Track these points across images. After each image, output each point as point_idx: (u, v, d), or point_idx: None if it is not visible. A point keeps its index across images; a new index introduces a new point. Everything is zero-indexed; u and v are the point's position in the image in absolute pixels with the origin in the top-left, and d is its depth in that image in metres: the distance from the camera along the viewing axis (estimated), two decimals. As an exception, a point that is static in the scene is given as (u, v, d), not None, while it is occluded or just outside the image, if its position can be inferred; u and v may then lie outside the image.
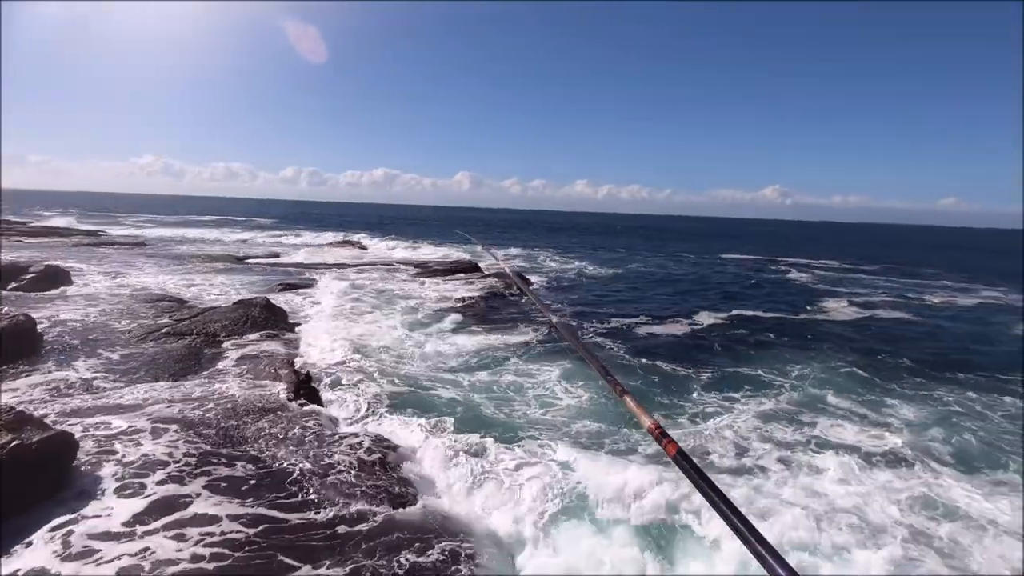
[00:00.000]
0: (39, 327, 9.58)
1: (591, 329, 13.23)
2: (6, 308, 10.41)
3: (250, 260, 23.96)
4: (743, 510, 0.94)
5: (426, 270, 22.07)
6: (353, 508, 4.91)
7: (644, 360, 10.50)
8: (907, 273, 30.14)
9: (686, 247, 47.74)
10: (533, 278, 21.69)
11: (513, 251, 33.76)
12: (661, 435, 1.25)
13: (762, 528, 0.90)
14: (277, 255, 26.62)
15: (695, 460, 1.07)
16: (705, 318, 14.74)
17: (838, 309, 16.60)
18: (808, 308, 16.70)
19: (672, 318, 14.75)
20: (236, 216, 69.44)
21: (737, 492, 5.33)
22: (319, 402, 7.63)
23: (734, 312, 15.60)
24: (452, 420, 7.09)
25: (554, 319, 2.51)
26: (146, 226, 45.10)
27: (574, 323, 13.61)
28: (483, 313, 14.20)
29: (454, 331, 12.01)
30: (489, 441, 6.40)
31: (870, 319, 15.40)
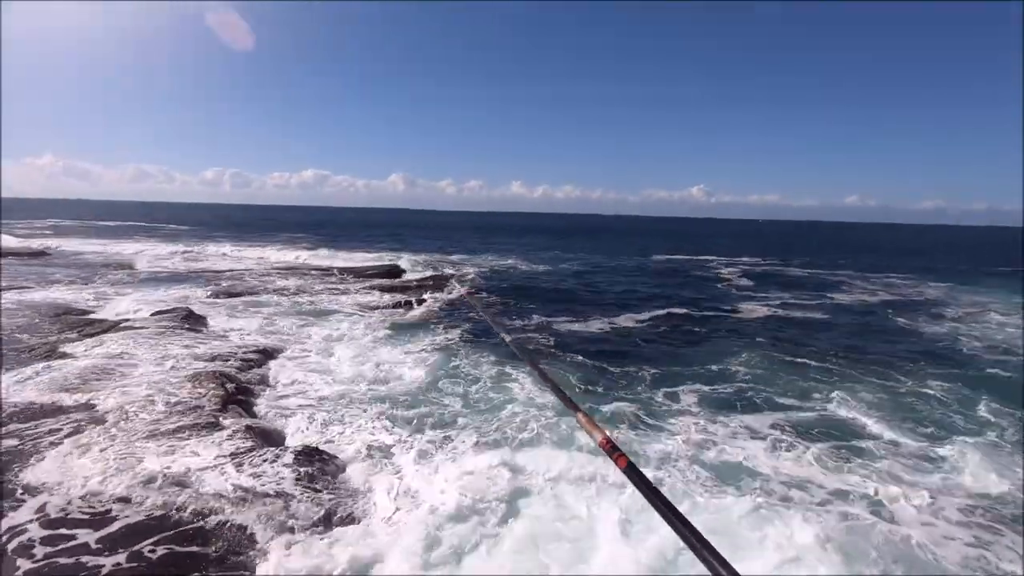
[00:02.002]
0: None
1: (519, 324, 13.55)
2: None
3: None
4: (694, 522, 0.97)
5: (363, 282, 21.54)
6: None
7: (565, 353, 11.01)
8: (819, 266, 32.53)
9: (618, 246, 49.21)
10: (471, 276, 21.68)
11: (463, 257, 33.43)
12: (612, 449, 1.28)
13: (713, 540, 0.93)
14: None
15: (645, 474, 1.12)
16: (628, 317, 15.24)
17: (755, 309, 17.34)
18: (727, 308, 17.43)
19: (598, 316, 15.20)
20: (146, 223, 64.79)
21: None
22: (250, 413, 7.27)
23: (658, 312, 16.17)
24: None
25: (508, 338, 2.57)
26: (45, 231, 41.24)
27: (508, 322, 13.80)
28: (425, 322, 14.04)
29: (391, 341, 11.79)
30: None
31: (783, 319, 16.19)
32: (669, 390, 8.87)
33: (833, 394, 8.68)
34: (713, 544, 0.91)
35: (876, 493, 5.70)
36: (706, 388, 9.00)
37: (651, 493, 1.06)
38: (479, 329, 12.54)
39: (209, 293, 16.09)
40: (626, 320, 14.92)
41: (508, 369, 9.38)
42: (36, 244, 29.74)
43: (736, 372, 9.94)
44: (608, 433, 1.35)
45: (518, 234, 68.94)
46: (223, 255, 28.42)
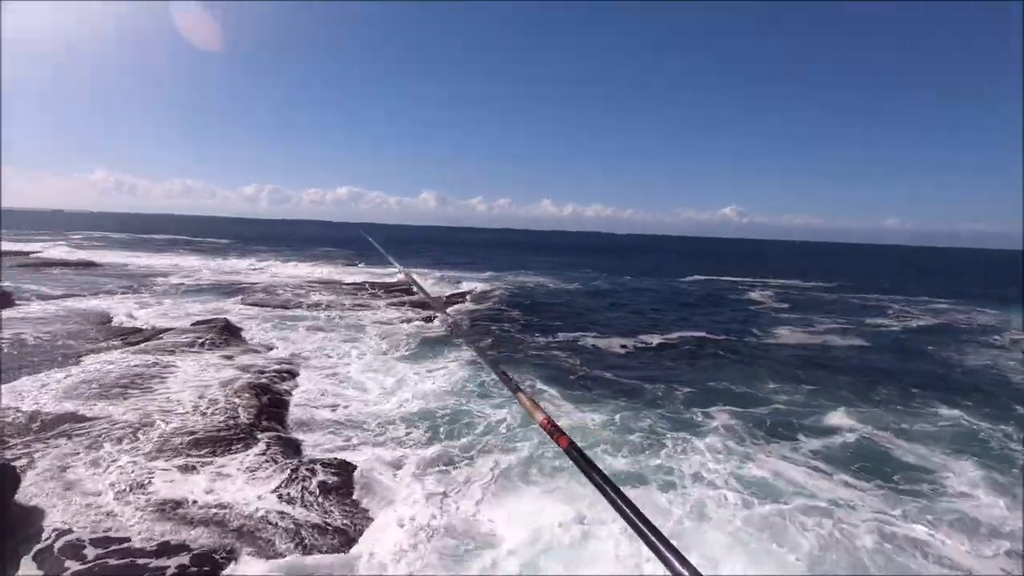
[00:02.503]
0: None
1: (543, 341, 13.49)
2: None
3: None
4: (632, 498, 0.97)
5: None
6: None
7: (591, 368, 10.99)
8: (857, 290, 31.45)
9: (648, 266, 48.67)
10: (498, 293, 21.68)
11: (487, 273, 33.61)
12: (553, 429, 1.27)
13: (653, 518, 0.93)
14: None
15: (586, 452, 1.11)
16: (656, 336, 15.06)
17: (790, 333, 16.80)
18: (760, 332, 17.00)
19: (625, 334, 15.05)
20: (189, 236, 67.20)
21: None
22: (283, 426, 7.39)
23: (687, 332, 15.93)
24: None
25: (450, 319, 2.60)
26: (96, 246, 43.25)
27: (528, 336, 13.75)
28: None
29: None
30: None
31: (819, 344, 15.68)
32: (702, 410, 8.73)
33: (869, 424, 8.36)
34: (650, 519, 0.91)
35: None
36: (738, 410, 8.81)
37: (593, 472, 1.06)
38: (504, 344, 12.61)
39: (245, 305, 16.56)
40: (654, 339, 14.71)
41: (541, 390, 9.36)
42: (86, 256, 31.17)
43: (769, 396, 9.69)
44: (548, 414, 1.35)
45: (546, 252, 68.97)
46: (259, 269, 29.22)
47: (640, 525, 0.90)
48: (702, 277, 38.25)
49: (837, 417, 8.64)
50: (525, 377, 10.15)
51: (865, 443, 7.68)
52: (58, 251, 34.12)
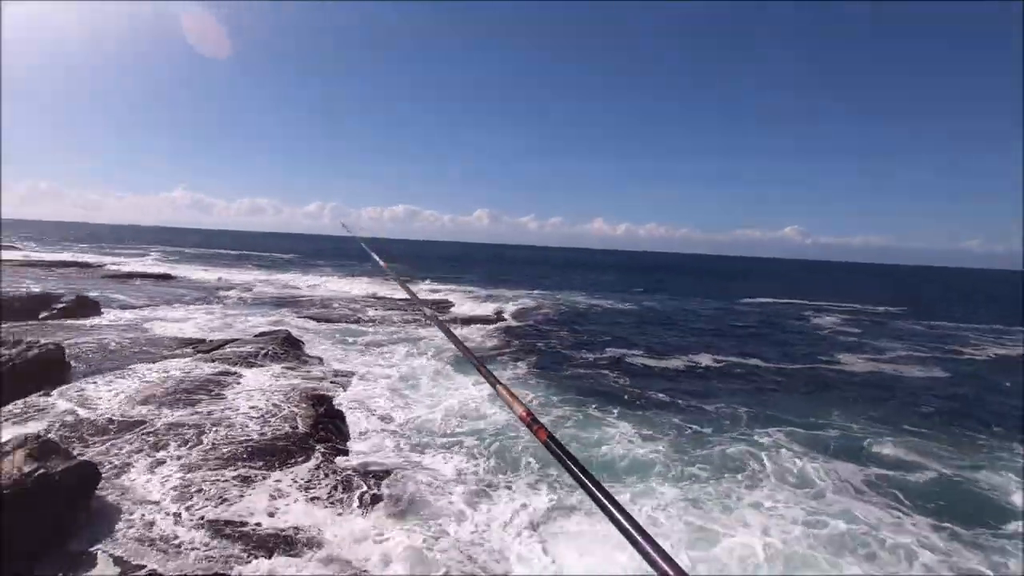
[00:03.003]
0: (67, 355, 9.82)
1: (591, 358, 13.28)
2: (33, 337, 10.69)
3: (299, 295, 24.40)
4: (612, 491, 0.97)
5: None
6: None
7: (642, 388, 10.88)
8: (932, 316, 29.37)
9: (703, 287, 47.31)
10: (546, 310, 21.60)
11: (536, 291, 33.67)
12: (532, 421, 1.27)
13: (631, 510, 0.93)
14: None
15: (564, 445, 1.11)
16: (710, 358, 14.62)
17: (859, 361, 15.84)
18: (822, 358, 16.11)
19: (678, 354, 14.70)
20: (256, 251, 70.80)
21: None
22: (340, 436, 7.59)
23: (745, 357, 15.30)
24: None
25: (428, 311, 2.59)
26: (172, 257, 46.36)
27: (575, 353, 13.60)
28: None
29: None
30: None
31: (893, 375, 14.62)
32: (764, 438, 8.34)
33: (946, 462, 7.76)
34: (631, 512, 0.90)
35: None
36: (802, 439, 8.39)
37: (571, 464, 1.05)
38: (551, 362, 12.56)
39: (304, 318, 17.24)
40: (709, 361, 14.28)
41: (594, 411, 9.22)
42: (164, 269, 33.41)
43: (836, 427, 9.16)
44: (527, 406, 1.35)
45: (597, 270, 68.40)
46: (318, 284, 30.40)
47: (619, 517, 0.90)
48: (761, 299, 36.81)
49: (910, 452, 8.05)
50: (570, 394, 10.12)
51: (944, 483, 7.12)
52: (140, 264, 36.77)
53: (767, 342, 18.36)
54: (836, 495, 6.55)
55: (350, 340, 14.10)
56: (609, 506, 0.93)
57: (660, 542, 0.83)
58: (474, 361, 1.73)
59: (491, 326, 17.75)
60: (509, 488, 6.28)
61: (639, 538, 0.85)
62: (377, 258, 4.04)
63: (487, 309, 21.69)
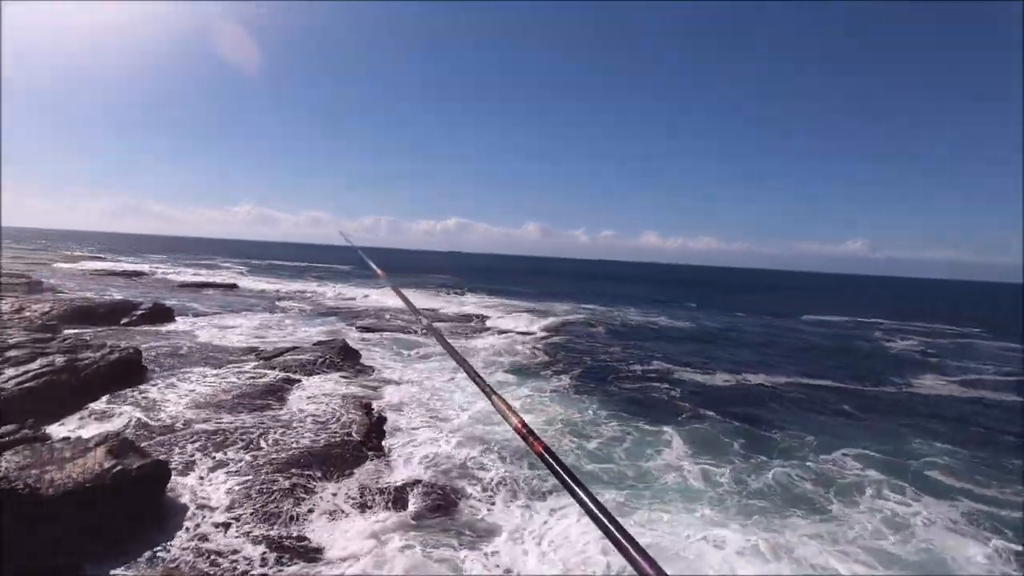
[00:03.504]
0: (144, 359, 10.51)
1: (639, 371, 12.88)
2: (114, 341, 11.50)
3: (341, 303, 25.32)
4: (607, 505, 0.96)
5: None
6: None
7: (693, 405, 10.55)
8: (1012, 337, 26.97)
9: (761, 303, 45.45)
10: (608, 334, 21.24)
11: (593, 306, 33.38)
12: (528, 433, 1.26)
13: (625, 524, 0.91)
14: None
15: (560, 457, 1.10)
16: (768, 379, 13.91)
17: (937, 384, 14.76)
18: (895, 379, 15.10)
19: (735, 375, 14.07)
20: (315, 262, 73.62)
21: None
22: (392, 445, 7.71)
23: (808, 377, 14.59)
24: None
25: (424, 321, 2.53)
26: (238, 269, 48.94)
27: (627, 369, 13.25)
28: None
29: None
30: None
31: (976, 398, 13.58)
32: (833, 465, 7.85)
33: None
34: (627, 528, 0.90)
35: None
36: (879, 466, 7.81)
37: (566, 476, 1.04)
38: (599, 377, 12.34)
39: (360, 329, 17.75)
40: (769, 381, 13.64)
41: (646, 428, 8.97)
42: (231, 279, 35.29)
43: (916, 454, 8.53)
44: (523, 417, 1.33)
45: (648, 284, 67.05)
46: (372, 296, 31.28)
47: (611, 529, 0.91)
48: (824, 316, 34.99)
49: (1004, 486, 7.36)
50: (620, 410, 9.87)
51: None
52: (210, 274, 39.00)
53: (832, 362, 17.38)
54: (927, 533, 5.98)
55: (403, 351, 14.38)
56: (603, 519, 0.93)
57: (655, 556, 0.84)
58: (470, 372, 1.69)
59: (538, 339, 17.68)
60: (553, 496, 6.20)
61: (632, 551, 0.85)
62: (374, 266, 4.12)
63: (535, 322, 21.65)
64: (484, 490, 6.40)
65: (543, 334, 18.80)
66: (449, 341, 1.92)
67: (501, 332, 18.18)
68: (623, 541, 0.88)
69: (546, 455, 1.13)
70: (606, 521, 0.92)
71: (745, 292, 65.00)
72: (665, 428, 8.94)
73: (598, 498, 0.99)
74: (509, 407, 1.40)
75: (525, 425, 1.30)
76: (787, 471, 7.51)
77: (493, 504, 6.10)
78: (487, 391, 1.54)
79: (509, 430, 1.30)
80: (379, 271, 3.95)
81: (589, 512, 0.97)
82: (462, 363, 1.80)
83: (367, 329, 17.70)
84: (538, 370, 13.03)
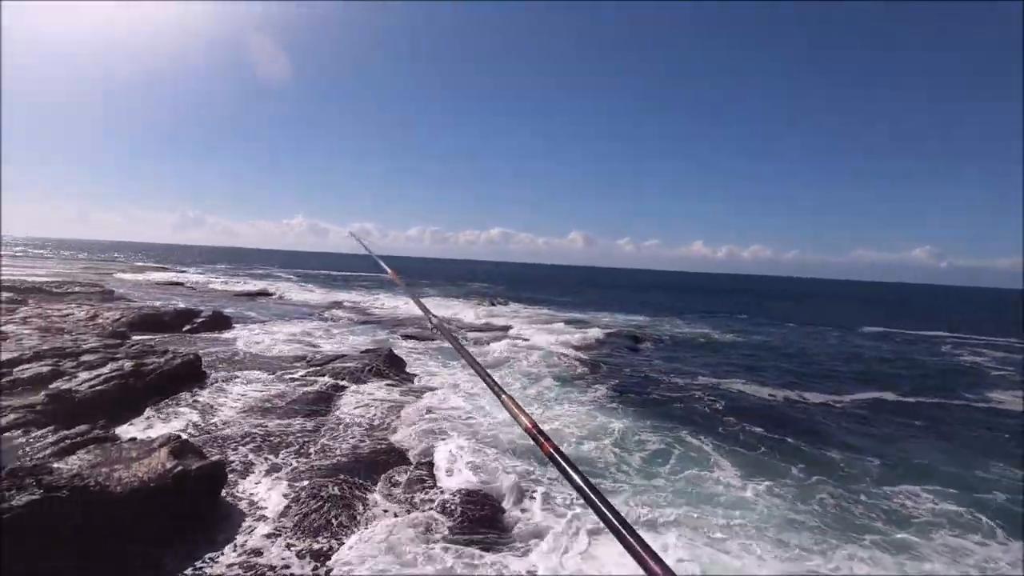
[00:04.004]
0: (204, 364, 11.04)
1: (683, 383, 12.42)
2: (176, 347, 12.12)
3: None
4: (617, 505, 0.96)
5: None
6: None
7: (740, 420, 10.07)
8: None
9: (815, 314, 43.49)
10: (653, 347, 20.84)
11: (638, 318, 32.89)
12: (538, 433, 1.26)
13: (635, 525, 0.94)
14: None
15: (570, 458, 1.11)
16: (825, 395, 13.18)
17: (1015, 400, 13.72)
18: (968, 396, 14.08)
19: (789, 389, 13.42)
20: (364, 272, 75.61)
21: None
22: (435, 450, 7.78)
23: (867, 392, 13.80)
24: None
25: (435, 320, 2.49)
26: (291, 278, 50.84)
27: (672, 381, 12.88)
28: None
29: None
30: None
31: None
32: (899, 489, 7.30)
33: None
34: (638, 531, 0.90)
35: None
36: (954, 493, 7.19)
37: (577, 479, 1.06)
38: (641, 388, 12.03)
39: (404, 338, 18.07)
40: (826, 397, 12.96)
41: (691, 443, 8.66)
42: (285, 288, 36.67)
43: (997, 478, 7.88)
44: (534, 418, 1.34)
45: (697, 294, 65.37)
46: (414, 306, 31.79)
47: (622, 531, 0.91)
48: (886, 328, 33.16)
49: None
50: (662, 423, 9.53)
51: None
52: (265, 284, 40.68)
53: (897, 377, 16.40)
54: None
55: (448, 360, 14.53)
56: (614, 521, 0.94)
57: (664, 557, 0.84)
58: (480, 371, 1.69)
59: (580, 350, 17.47)
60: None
61: (642, 552, 0.85)
62: (386, 267, 4.15)
63: (576, 333, 21.44)
64: (526, 497, 6.35)
65: (585, 345, 18.58)
66: (464, 344, 1.92)
67: (541, 343, 18.08)
68: (631, 540, 0.88)
69: (556, 456, 1.14)
70: (615, 522, 0.93)
71: (798, 302, 62.42)
72: (713, 446, 8.53)
73: (608, 498, 1.00)
74: (519, 407, 1.41)
75: (536, 425, 1.30)
76: (847, 495, 7.01)
77: (534, 511, 6.03)
78: (497, 390, 1.55)
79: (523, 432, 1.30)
80: (391, 271, 3.99)
81: (598, 512, 0.98)
82: (472, 363, 1.79)
83: (412, 337, 18.00)
84: (580, 382, 12.84)
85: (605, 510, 0.97)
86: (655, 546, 0.88)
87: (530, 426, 1.32)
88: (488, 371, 1.72)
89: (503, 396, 1.50)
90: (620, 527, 0.92)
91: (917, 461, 8.47)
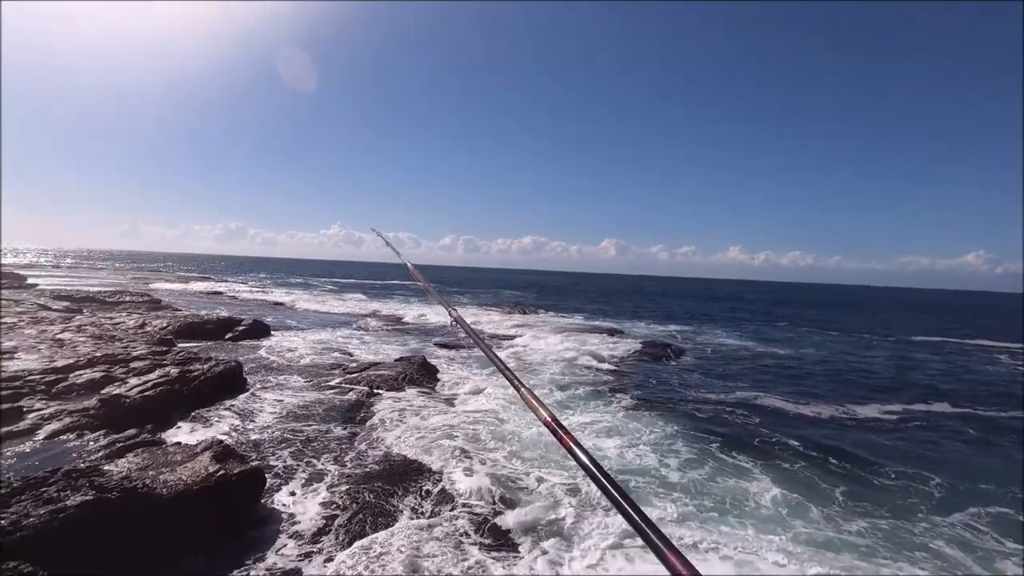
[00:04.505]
0: (244, 371, 11.35)
1: (714, 398, 11.99)
2: (218, 354, 12.50)
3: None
4: (637, 501, 0.96)
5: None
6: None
7: (783, 435, 9.59)
8: None
9: (861, 323, 41.82)
10: (688, 358, 20.41)
11: (672, 327, 32.37)
12: (557, 427, 1.25)
13: (655, 519, 0.91)
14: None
15: (590, 452, 1.09)
16: (876, 408, 12.58)
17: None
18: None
19: (835, 403, 12.81)
20: (398, 280, 76.68)
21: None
22: (468, 459, 7.78)
23: (922, 405, 13.14)
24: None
25: (455, 313, 2.50)
26: (327, 287, 52.02)
27: (712, 394, 12.51)
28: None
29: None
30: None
31: None
32: (973, 519, 6.71)
33: None
34: (656, 524, 0.90)
35: None
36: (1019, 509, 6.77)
37: (596, 471, 1.04)
38: (676, 399, 11.72)
39: (438, 345, 18.23)
40: (875, 411, 12.35)
41: (728, 458, 8.37)
42: (321, 297, 37.55)
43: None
44: (553, 412, 1.33)
45: (732, 301, 63.78)
46: (447, 314, 32.07)
47: (641, 524, 0.91)
48: (937, 338, 31.64)
49: None
50: (697, 435, 9.24)
51: None
52: (303, 293, 41.75)
53: (953, 391, 15.53)
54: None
55: (480, 368, 14.56)
56: (633, 514, 0.94)
57: (684, 552, 0.83)
58: (499, 365, 1.70)
59: (615, 361, 17.24)
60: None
61: (661, 545, 0.85)
62: (395, 249, 4.17)
63: (610, 342, 21.20)
64: (556, 504, 6.26)
65: (617, 355, 18.30)
66: (487, 343, 1.93)
67: (571, 352, 17.92)
68: (650, 533, 0.88)
69: (575, 449, 1.14)
70: (635, 515, 0.93)
71: (842, 309, 60.22)
72: (757, 466, 8.13)
73: (628, 493, 0.99)
74: (538, 400, 1.40)
75: (555, 419, 1.29)
76: (899, 519, 6.59)
77: (567, 516, 5.95)
78: (515, 384, 1.54)
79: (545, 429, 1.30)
80: (410, 267, 4.01)
81: (618, 506, 0.97)
82: (492, 358, 1.80)
83: (445, 346, 18.11)
84: (610, 392, 12.58)
85: (627, 506, 0.96)
86: (693, 560, 0.85)
87: (549, 419, 1.31)
88: (507, 365, 1.72)
89: (522, 389, 1.50)
90: (643, 524, 0.91)
91: (979, 485, 7.84)
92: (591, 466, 1.07)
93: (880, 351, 24.55)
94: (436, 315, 28.21)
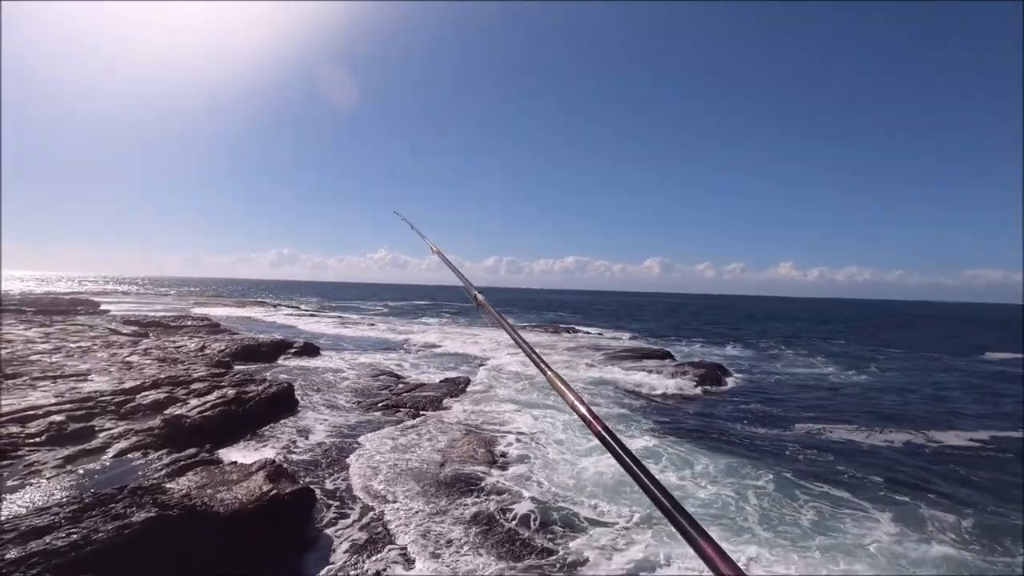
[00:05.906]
0: (296, 392, 11.70)
1: (774, 433, 11.32)
2: (272, 375, 12.92)
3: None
4: (666, 485, 0.91)
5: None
6: None
7: (852, 466, 8.79)
8: None
9: (925, 340, 39.26)
10: (731, 380, 19.72)
11: (720, 348, 31.37)
12: (587, 413, 1.23)
13: (685, 505, 0.86)
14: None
15: (621, 439, 1.06)
16: (954, 434, 11.63)
17: None
18: None
19: (903, 428, 11.95)
20: (443, 301, 77.65)
21: None
22: (509, 480, 7.70)
23: (1003, 430, 12.09)
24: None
25: (480, 297, 2.40)
26: (376, 310, 53.30)
27: (773, 421, 11.91)
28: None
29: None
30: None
31: None
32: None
33: None
34: (687, 509, 0.86)
35: None
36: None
37: (625, 456, 1.00)
38: (757, 438, 11.23)
39: (481, 366, 18.28)
40: (951, 438, 11.47)
41: (834, 497, 7.68)
42: (368, 320, 38.45)
43: None
44: (581, 396, 1.29)
45: (783, 320, 61.26)
46: (492, 336, 32.24)
47: (672, 511, 0.88)
48: (1015, 355, 29.33)
49: None
50: (799, 479, 8.63)
51: None
52: (352, 315, 42.93)
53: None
54: None
55: (522, 389, 14.48)
56: (664, 501, 0.89)
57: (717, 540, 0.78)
58: (525, 348, 1.67)
59: (673, 388, 16.78)
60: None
61: (695, 535, 0.81)
62: (420, 232, 4.11)
63: (665, 368, 20.69)
64: (603, 524, 6.09)
65: (672, 380, 17.81)
66: (514, 329, 1.89)
67: (617, 376, 17.58)
68: (682, 521, 0.84)
69: (606, 435, 1.10)
70: (665, 500, 0.89)
71: (905, 326, 56.89)
72: (865, 507, 7.30)
73: (661, 482, 0.93)
74: (567, 385, 1.36)
75: (585, 404, 1.25)
76: (998, 560, 5.89)
77: (611, 534, 5.77)
78: (543, 367, 1.52)
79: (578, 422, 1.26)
80: (433, 247, 3.96)
81: (647, 491, 0.93)
82: (517, 338, 1.78)
83: (488, 367, 18.14)
84: (660, 417, 12.21)
85: (656, 491, 0.91)
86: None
87: (577, 404, 1.27)
88: (533, 348, 1.70)
89: (548, 373, 1.47)
90: (672, 508, 0.87)
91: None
92: (622, 453, 1.03)
93: (952, 369, 22.96)
94: (479, 339, 28.39)
